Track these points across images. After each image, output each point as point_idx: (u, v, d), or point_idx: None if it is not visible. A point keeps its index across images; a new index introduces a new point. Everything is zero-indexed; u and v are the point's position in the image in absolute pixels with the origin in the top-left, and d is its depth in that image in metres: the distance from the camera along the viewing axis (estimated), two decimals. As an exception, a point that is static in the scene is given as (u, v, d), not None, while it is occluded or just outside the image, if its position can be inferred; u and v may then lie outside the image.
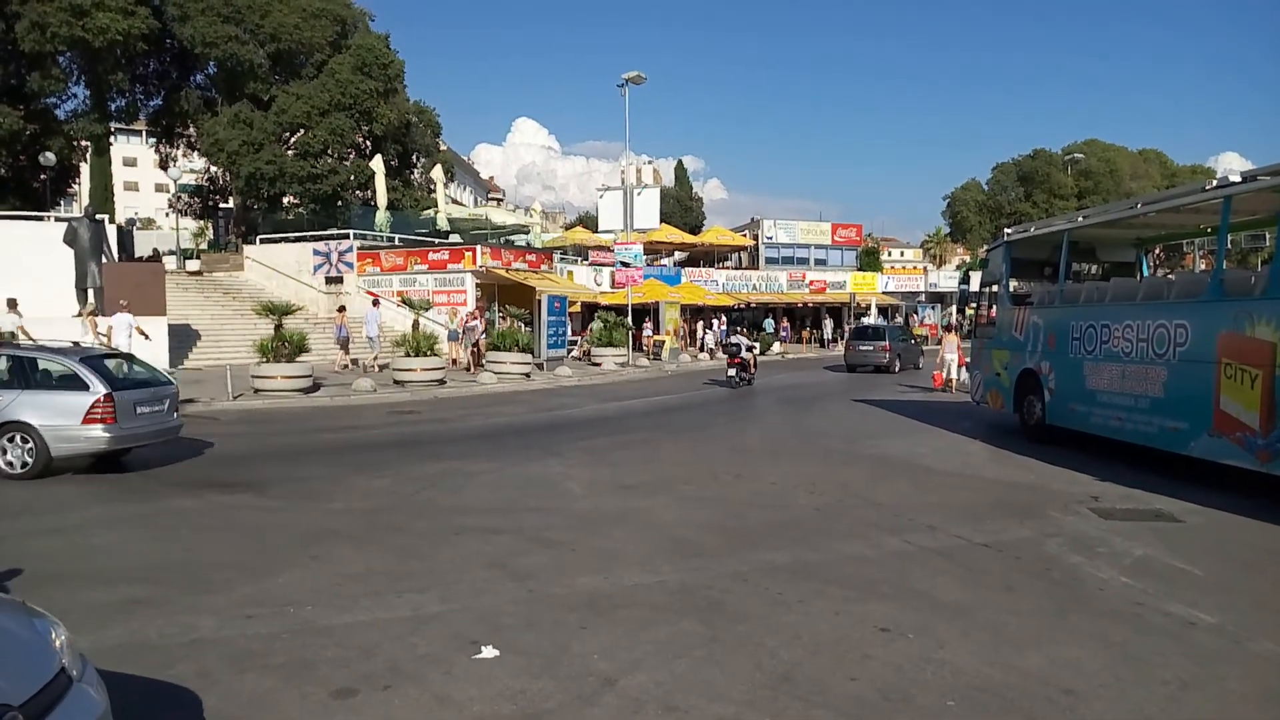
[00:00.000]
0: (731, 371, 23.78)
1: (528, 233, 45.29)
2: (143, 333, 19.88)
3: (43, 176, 35.80)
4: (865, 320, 45.27)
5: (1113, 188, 70.19)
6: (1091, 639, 5.26)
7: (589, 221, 63.13)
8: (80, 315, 21.14)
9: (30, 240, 25.85)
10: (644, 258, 38.66)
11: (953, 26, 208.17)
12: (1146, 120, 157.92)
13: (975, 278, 16.38)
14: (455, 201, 57.16)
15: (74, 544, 7.23)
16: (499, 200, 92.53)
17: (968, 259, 74.46)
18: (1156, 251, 21.76)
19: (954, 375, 22.94)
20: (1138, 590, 6.20)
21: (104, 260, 24.00)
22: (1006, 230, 15.29)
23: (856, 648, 5.09)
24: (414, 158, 45.99)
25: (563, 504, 9.06)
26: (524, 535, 7.65)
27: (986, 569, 6.73)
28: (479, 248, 32.61)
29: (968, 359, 23.30)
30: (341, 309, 27.00)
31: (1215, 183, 9.96)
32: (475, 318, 27.89)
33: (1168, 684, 4.65)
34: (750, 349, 24.92)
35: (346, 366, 24.46)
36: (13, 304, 18.92)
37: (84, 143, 37.84)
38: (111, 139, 39.87)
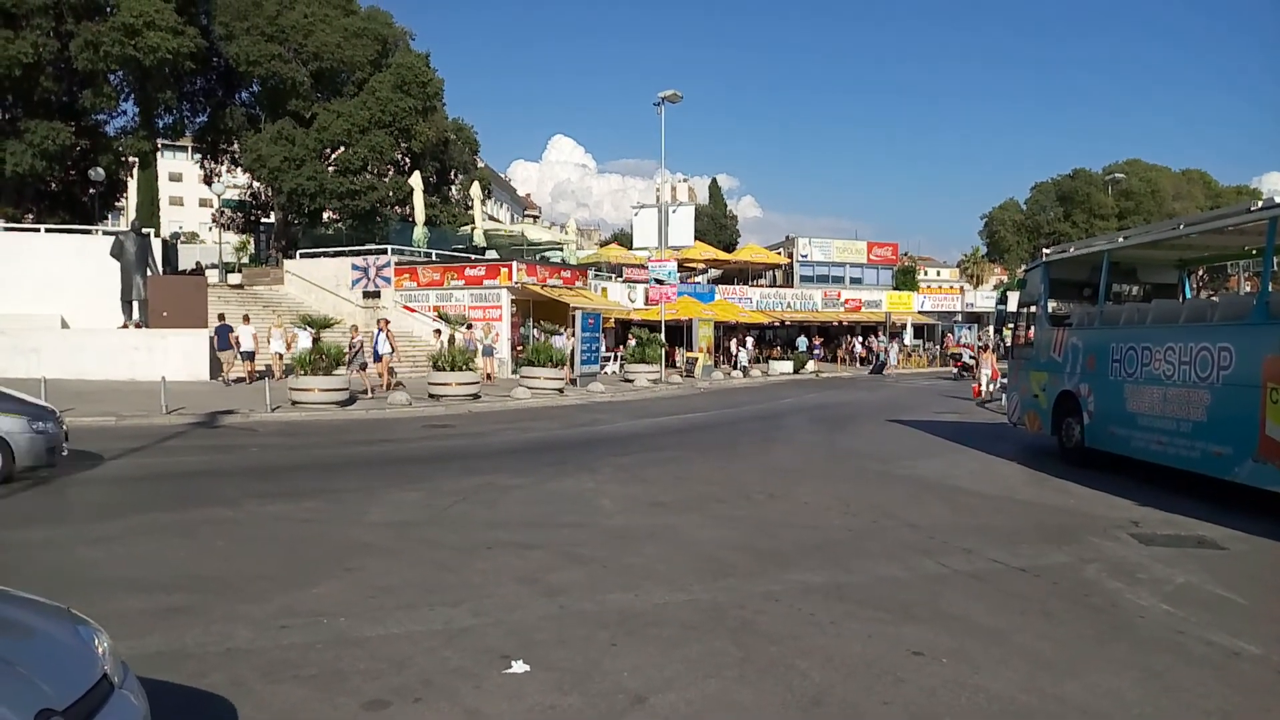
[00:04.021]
0: (955, 370, 37.52)
1: (563, 249, 45.59)
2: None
3: (91, 191, 36.75)
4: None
5: (1155, 208, 69.22)
6: (1131, 667, 5.16)
7: (623, 239, 63.48)
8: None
9: (79, 253, 26.57)
10: (678, 275, 38.74)
11: (992, 46, 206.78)
12: (1190, 140, 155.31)
13: (1013, 298, 16.17)
14: (492, 218, 57.76)
15: (115, 552, 7.36)
16: (535, 217, 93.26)
17: (1005, 279, 73.64)
18: (1200, 273, 21.40)
19: (984, 386, 26.80)
20: (1179, 618, 6.07)
21: (149, 273, 24.57)
22: (1045, 250, 15.11)
23: (889, 671, 5.03)
24: (452, 174, 46.59)
25: (595, 520, 9.07)
26: (556, 551, 7.66)
27: (1023, 594, 6.62)
28: (515, 264, 32.88)
29: (1000, 373, 26.70)
30: (469, 327, 28.00)
31: (1261, 203, 9.79)
32: (358, 333, 24.10)
33: (1210, 715, 4.55)
34: (972, 356, 36.63)
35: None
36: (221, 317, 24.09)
37: (131, 158, 38.78)
38: (158, 155, 40.82)
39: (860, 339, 50.44)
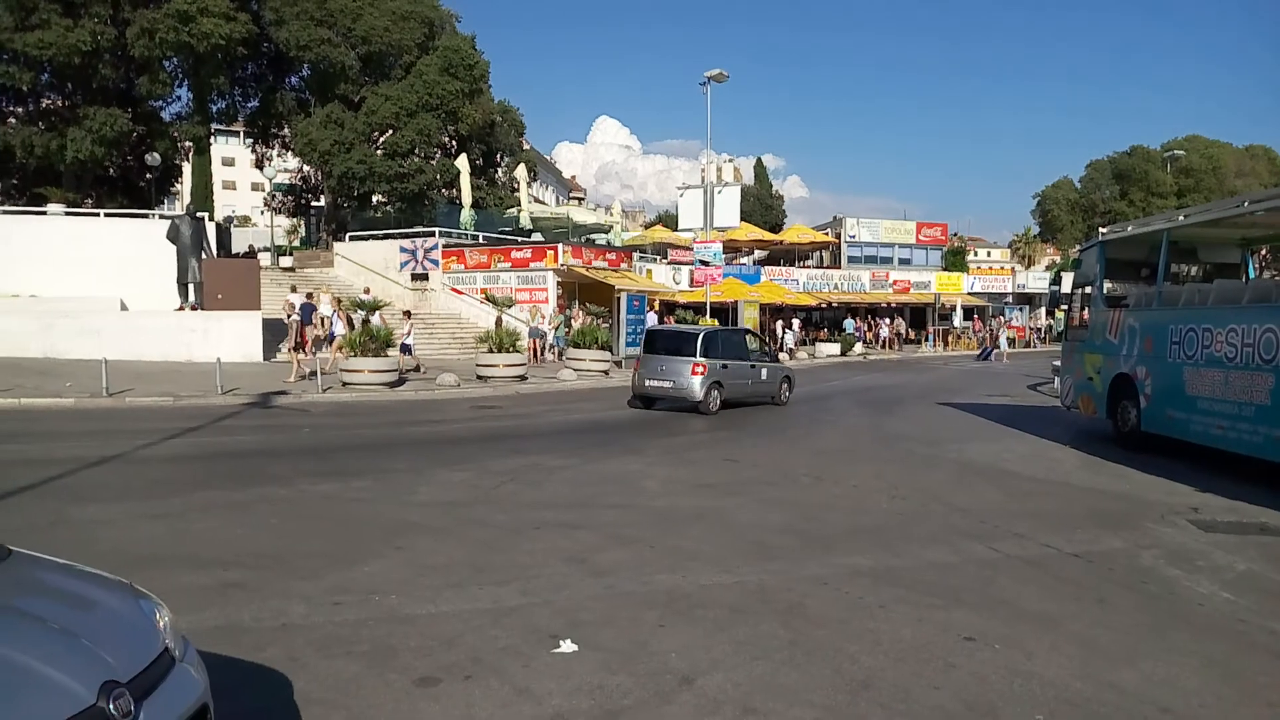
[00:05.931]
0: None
1: (608, 231, 45.55)
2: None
3: (148, 176, 37.52)
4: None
5: (1215, 186, 67.15)
6: (1190, 656, 5.04)
7: (668, 220, 63.15)
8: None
9: (137, 237, 27.16)
10: (723, 256, 38.46)
11: (1044, 23, 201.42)
12: (1253, 114, 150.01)
13: (1067, 279, 15.83)
14: (537, 200, 57.90)
15: (175, 529, 7.55)
16: (580, 199, 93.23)
17: (1058, 259, 72.17)
18: (1263, 252, 20.74)
19: None
20: (1241, 606, 5.92)
21: (203, 256, 25.03)
22: (1102, 229, 14.75)
23: (940, 656, 4.98)
24: (498, 157, 46.77)
25: (641, 501, 9.09)
26: (602, 531, 7.70)
27: (1077, 580, 6.51)
28: (560, 246, 32.94)
29: None
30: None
31: (1331, 180, 9.44)
32: (294, 310, 23.41)
33: (1273, 705, 4.43)
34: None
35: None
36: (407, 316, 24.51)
37: (186, 143, 39.47)
38: (211, 140, 41.46)
39: (887, 321, 49.42)
